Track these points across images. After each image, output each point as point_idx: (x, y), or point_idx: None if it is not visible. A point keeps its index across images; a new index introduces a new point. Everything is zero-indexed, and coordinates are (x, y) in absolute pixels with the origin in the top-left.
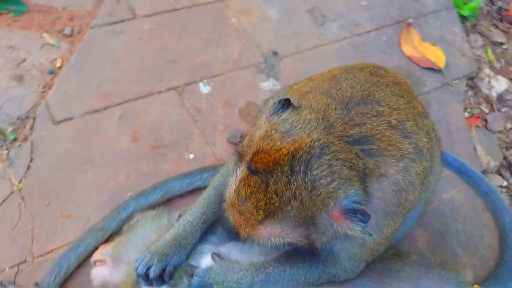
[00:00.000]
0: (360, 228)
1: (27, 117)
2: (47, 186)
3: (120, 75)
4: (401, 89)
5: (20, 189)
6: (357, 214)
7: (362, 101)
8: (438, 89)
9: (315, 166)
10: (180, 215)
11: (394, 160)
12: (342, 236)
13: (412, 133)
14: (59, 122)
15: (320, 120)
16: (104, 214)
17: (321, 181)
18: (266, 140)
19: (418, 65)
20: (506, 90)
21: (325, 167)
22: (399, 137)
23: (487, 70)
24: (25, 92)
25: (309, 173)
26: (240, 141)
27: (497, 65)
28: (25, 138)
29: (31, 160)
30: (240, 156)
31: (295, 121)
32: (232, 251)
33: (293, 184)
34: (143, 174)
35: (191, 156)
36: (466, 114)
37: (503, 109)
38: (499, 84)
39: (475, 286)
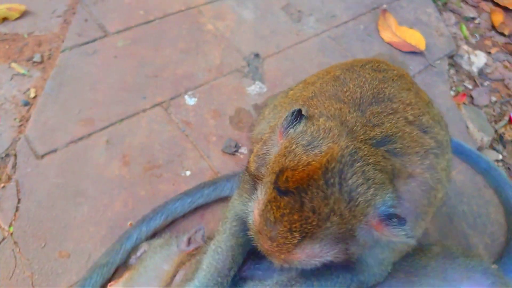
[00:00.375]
0: (404, 233)
1: (7, 155)
2: (40, 226)
3: (100, 97)
4: (407, 82)
5: (11, 234)
6: (395, 219)
7: (374, 100)
8: (422, 71)
9: (349, 175)
10: (190, 239)
11: (419, 158)
12: (373, 243)
13: (430, 127)
14: (42, 156)
15: (340, 126)
16: (106, 248)
17: (358, 189)
18: (289, 156)
19: (400, 50)
20: (485, 64)
21: (359, 174)
22: (419, 132)
23: (465, 47)
24: (0, 128)
25: (345, 184)
26: (235, 151)
27: (473, 40)
28: (9, 178)
29: (19, 201)
30: (255, 178)
31: (314, 131)
32: (252, 271)
33: (331, 198)
34: (140, 199)
35: (188, 173)
36: (452, 93)
37: (486, 83)
38: (478, 59)
39: (493, 266)
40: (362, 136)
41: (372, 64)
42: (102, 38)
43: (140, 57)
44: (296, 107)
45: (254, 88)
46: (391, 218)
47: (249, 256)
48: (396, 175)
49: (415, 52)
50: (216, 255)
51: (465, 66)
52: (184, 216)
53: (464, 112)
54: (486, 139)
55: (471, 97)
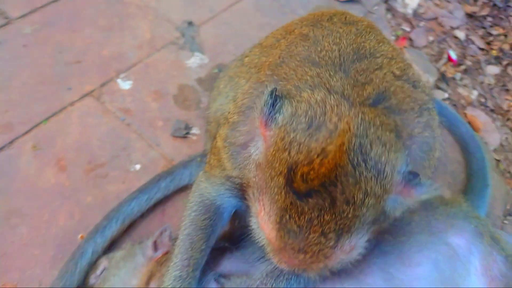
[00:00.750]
0: (431, 187)
1: None
2: None
3: (16, 96)
4: (379, 33)
5: None
6: (413, 176)
7: (356, 57)
8: None
9: (369, 146)
10: (156, 242)
11: (416, 116)
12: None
13: (417, 81)
14: None
15: (330, 95)
16: (57, 270)
17: (382, 159)
18: (292, 149)
19: (338, 0)
20: (419, 4)
21: (377, 141)
22: (410, 86)
23: None
24: None
25: (368, 158)
26: (187, 133)
27: None
28: None
29: None
30: (241, 184)
31: (307, 110)
32: (235, 266)
33: (361, 180)
34: (88, 206)
35: (138, 166)
36: (393, 38)
37: (421, 24)
38: (412, 0)
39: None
40: (358, 99)
41: (339, 16)
42: (5, 26)
43: (55, 42)
44: (269, 86)
45: (194, 60)
46: (412, 178)
47: (225, 248)
48: (399, 133)
49: (352, 0)
50: (175, 259)
51: (400, 9)
52: (143, 216)
53: (408, 56)
54: (432, 80)
55: (410, 39)
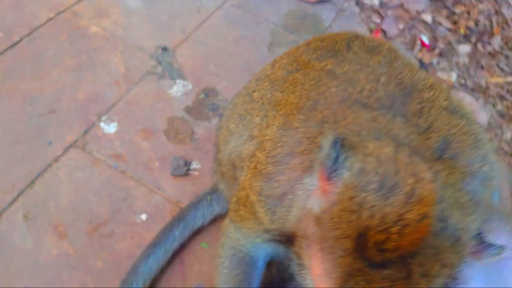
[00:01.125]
0: (496, 249)
1: None
2: None
3: None
4: (403, 57)
5: None
6: (483, 236)
7: (403, 95)
8: (336, 19)
9: (449, 212)
10: None
11: (475, 151)
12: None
13: (459, 107)
14: None
15: (398, 147)
16: None
17: (460, 226)
18: (363, 212)
19: (307, 2)
20: None
21: (455, 207)
22: (462, 120)
23: None
24: None
25: (449, 226)
26: (187, 170)
27: None
28: None
29: None
30: (288, 235)
31: (378, 167)
32: None
33: (441, 252)
34: (100, 272)
35: (144, 216)
36: (368, 33)
37: (389, 13)
38: None
39: None
40: (427, 152)
41: (356, 42)
42: None
43: (22, 93)
44: (332, 135)
45: (178, 89)
46: (483, 240)
47: None
48: (466, 182)
49: (323, 1)
50: None
51: (367, 2)
52: (162, 271)
53: None
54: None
55: (383, 31)
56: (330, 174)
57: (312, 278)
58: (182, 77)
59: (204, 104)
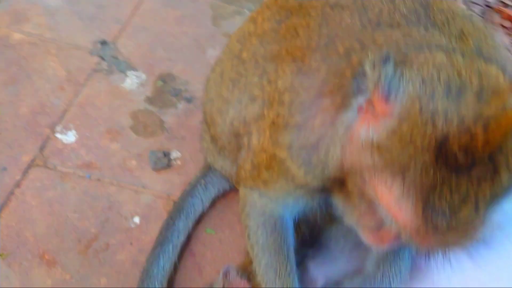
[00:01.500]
0: None
1: None
2: None
3: None
4: None
5: None
6: None
7: (424, 8)
8: None
9: None
10: (228, 273)
11: (496, 49)
12: None
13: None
14: None
15: (450, 52)
16: None
17: None
18: (437, 120)
19: None
20: None
21: None
22: (479, 23)
23: None
24: None
25: None
26: (168, 161)
27: None
28: None
29: None
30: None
31: (438, 73)
32: (324, 269)
33: None
34: None
35: (137, 219)
36: None
37: None
38: None
39: None
40: (472, 54)
41: None
42: None
43: None
44: (377, 55)
45: (131, 81)
46: None
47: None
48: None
49: None
50: (271, 282)
51: None
52: (176, 268)
53: None
54: None
55: None
56: (389, 93)
57: (384, 208)
58: (132, 68)
59: (164, 91)
